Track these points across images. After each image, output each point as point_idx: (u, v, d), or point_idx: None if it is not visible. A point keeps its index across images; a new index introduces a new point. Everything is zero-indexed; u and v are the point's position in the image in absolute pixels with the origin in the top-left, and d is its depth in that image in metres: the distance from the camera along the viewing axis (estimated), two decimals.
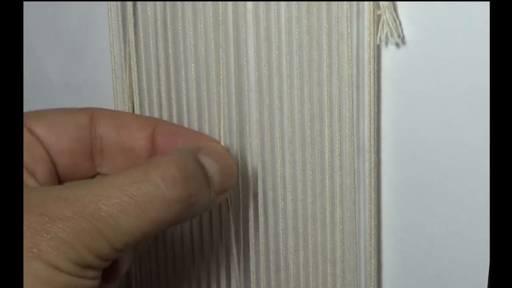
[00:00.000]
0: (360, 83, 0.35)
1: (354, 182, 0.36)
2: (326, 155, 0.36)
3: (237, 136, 0.37)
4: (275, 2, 0.35)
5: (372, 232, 0.36)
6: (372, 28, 0.34)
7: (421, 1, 0.34)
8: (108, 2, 0.38)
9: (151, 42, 0.38)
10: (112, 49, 0.38)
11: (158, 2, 0.37)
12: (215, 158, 0.33)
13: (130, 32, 0.38)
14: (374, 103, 0.35)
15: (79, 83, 0.44)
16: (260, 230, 0.38)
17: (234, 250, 0.38)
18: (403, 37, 0.34)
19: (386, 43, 0.35)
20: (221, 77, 0.36)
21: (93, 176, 0.36)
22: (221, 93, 0.36)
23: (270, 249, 0.38)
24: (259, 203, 0.37)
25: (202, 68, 0.37)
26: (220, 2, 0.36)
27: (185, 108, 0.38)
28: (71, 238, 0.28)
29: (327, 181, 0.36)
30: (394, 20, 0.34)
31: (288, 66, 0.35)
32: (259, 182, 0.37)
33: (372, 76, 0.34)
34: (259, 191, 0.37)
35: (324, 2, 0.34)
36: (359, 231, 0.37)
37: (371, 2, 0.34)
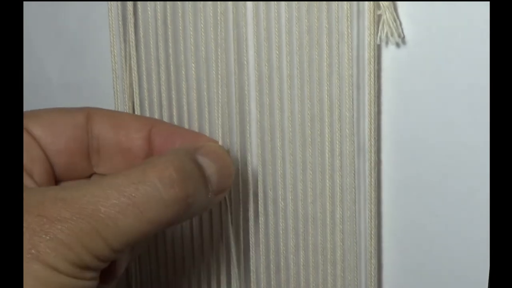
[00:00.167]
0: (360, 83, 0.35)
1: (354, 182, 0.36)
2: (326, 155, 0.36)
3: (238, 136, 0.37)
4: (275, 2, 0.35)
5: (372, 232, 0.36)
6: (372, 28, 0.34)
7: (421, 1, 0.34)
8: (108, 2, 0.38)
9: (151, 42, 0.38)
10: (112, 49, 0.38)
11: (158, 2, 0.37)
12: (212, 158, 0.33)
13: (130, 32, 0.38)
14: (374, 103, 0.35)
15: (79, 83, 0.44)
16: (260, 230, 0.38)
17: (234, 250, 0.38)
18: (403, 37, 0.34)
19: (386, 43, 0.35)
20: (221, 77, 0.36)
21: (90, 176, 0.36)
22: (222, 93, 0.36)
23: (270, 249, 0.38)
24: (259, 203, 0.37)
25: (203, 68, 0.37)
26: (220, 2, 0.36)
27: (185, 108, 0.38)
28: (70, 239, 0.28)
29: (327, 181, 0.36)
30: (395, 20, 0.34)
31: (289, 66, 0.35)
32: (259, 182, 0.37)
33: (372, 76, 0.34)
34: (259, 191, 0.37)
35: (324, 2, 0.34)
36: (359, 231, 0.37)
37: (371, 2, 0.34)
